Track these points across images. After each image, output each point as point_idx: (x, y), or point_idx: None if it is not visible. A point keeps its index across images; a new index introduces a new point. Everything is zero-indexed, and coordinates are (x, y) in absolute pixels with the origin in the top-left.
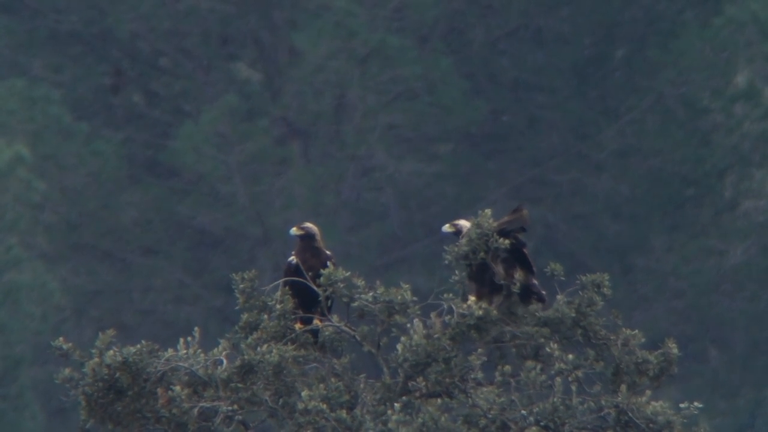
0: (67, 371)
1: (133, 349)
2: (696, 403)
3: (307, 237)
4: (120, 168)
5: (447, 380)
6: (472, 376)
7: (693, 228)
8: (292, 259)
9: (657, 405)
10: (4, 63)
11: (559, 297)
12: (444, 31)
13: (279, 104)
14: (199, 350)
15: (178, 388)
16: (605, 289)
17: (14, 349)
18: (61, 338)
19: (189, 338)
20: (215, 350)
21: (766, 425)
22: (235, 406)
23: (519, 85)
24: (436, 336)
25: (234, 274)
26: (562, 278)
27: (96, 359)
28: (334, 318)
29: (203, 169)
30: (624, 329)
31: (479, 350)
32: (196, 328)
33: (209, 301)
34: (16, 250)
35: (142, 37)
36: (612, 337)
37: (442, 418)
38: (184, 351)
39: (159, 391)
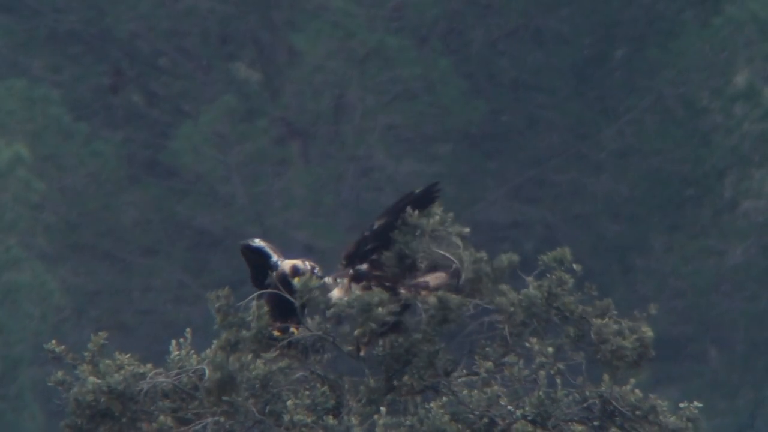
0: (59, 374)
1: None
2: (696, 403)
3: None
4: (119, 168)
5: (432, 378)
6: (457, 373)
7: (693, 228)
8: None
9: (639, 393)
10: (4, 63)
11: (528, 279)
12: (443, 32)
13: (278, 104)
14: (192, 351)
15: (162, 417)
16: (572, 264)
17: (13, 349)
18: (53, 341)
19: (181, 339)
20: (205, 352)
21: (766, 425)
22: (223, 418)
23: (518, 85)
24: (414, 333)
25: (209, 294)
26: (517, 267)
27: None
28: (312, 323)
29: (202, 170)
30: (600, 301)
31: (483, 350)
32: (187, 330)
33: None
34: (15, 250)
35: (141, 37)
36: (589, 310)
37: (431, 415)
38: (176, 353)
39: (144, 426)
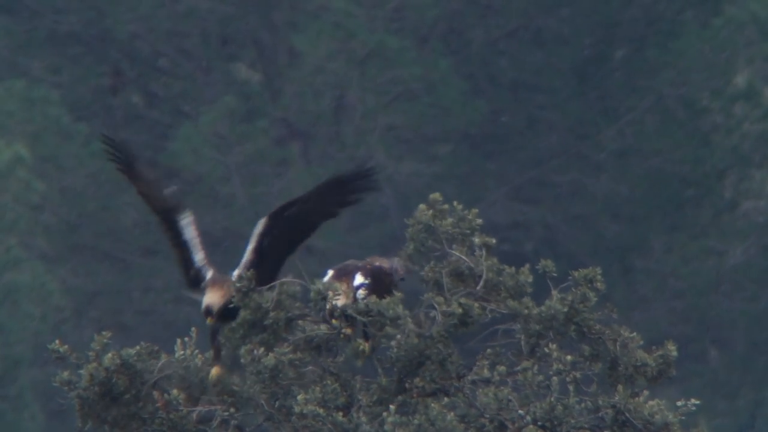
0: (65, 374)
1: (132, 351)
2: (693, 400)
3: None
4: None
5: (443, 381)
6: (469, 377)
7: (693, 228)
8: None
9: (654, 405)
10: (3, 64)
11: (553, 293)
12: (443, 32)
13: (278, 105)
14: (197, 351)
15: (175, 391)
16: (598, 284)
17: (14, 349)
18: (57, 341)
19: (186, 339)
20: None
21: (766, 426)
22: (232, 410)
23: (518, 85)
24: (427, 335)
25: (232, 273)
26: (554, 274)
27: (93, 363)
28: (334, 322)
29: (202, 170)
30: (618, 326)
31: (488, 351)
32: (192, 329)
33: None
34: (15, 250)
35: (141, 38)
36: (607, 332)
37: (443, 417)
38: (181, 352)
39: (156, 395)
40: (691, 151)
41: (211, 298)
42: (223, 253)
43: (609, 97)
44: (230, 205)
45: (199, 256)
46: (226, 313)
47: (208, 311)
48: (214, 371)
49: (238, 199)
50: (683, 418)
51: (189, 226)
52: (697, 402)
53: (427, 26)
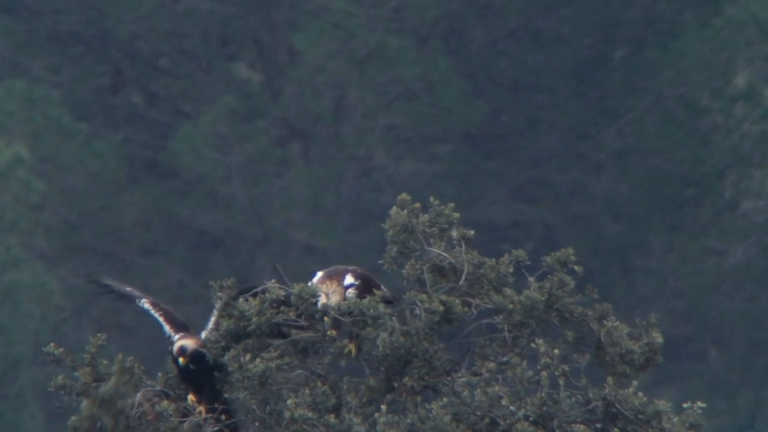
0: (60, 378)
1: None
2: (699, 403)
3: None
4: (119, 169)
5: (432, 378)
6: (459, 375)
7: (693, 228)
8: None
9: (643, 397)
10: (4, 64)
11: (530, 282)
12: (443, 32)
13: (278, 105)
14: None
15: (165, 402)
16: (575, 267)
17: (13, 349)
18: (52, 344)
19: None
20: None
21: (766, 426)
22: (223, 417)
23: (518, 85)
24: (413, 332)
25: (212, 282)
26: (528, 262)
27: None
28: (327, 320)
29: (203, 170)
30: (600, 304)
31: (483, 348)
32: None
33: (209, 301)
34: (15, 250)
35: (141, 38)
36: (590, 313)
37: (440, 417)
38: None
39: (145, 406)
40: (691, 151)
41: (185, 341)
42: (223, 253)
43: (609, 97)
44: (230, 205)
45: (166, 329)
46: (199, 363)
47: (182, 350)
48: (191, 397)
49: (238, 199)
50: (689, 420)
51: (149, 308)
52: (703, 405)
53: (427, 26)
